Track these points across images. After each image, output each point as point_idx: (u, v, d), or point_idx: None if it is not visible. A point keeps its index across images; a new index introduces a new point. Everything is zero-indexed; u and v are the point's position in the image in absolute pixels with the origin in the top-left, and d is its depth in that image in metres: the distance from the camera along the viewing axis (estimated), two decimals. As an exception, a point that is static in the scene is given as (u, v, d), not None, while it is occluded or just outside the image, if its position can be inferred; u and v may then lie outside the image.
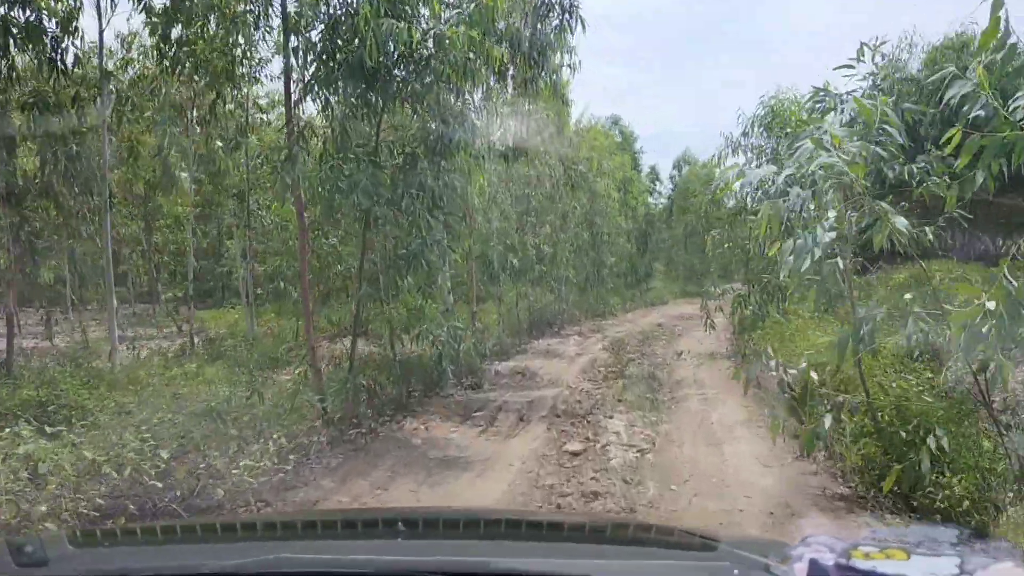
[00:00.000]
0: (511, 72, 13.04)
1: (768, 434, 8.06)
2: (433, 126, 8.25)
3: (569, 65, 15.61)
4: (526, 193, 18.01)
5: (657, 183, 47.79)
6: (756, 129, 13.89)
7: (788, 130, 13.48)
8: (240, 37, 10.10)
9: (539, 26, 12.87)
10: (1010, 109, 4.64)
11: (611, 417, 9.47)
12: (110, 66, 12.68)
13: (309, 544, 2.11)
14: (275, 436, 6.31)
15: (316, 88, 8.09)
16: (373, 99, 8.30)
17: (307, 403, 8.02)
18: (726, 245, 13.58)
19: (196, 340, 15.21)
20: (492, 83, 12.24)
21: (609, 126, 36.43)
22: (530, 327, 18.81)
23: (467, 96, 8.97)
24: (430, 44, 8.00)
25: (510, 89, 15.00)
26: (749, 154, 14.00)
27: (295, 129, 8.16)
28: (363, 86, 8.16)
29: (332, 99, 8.24)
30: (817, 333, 9.11)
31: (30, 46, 8.71)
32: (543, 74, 12.57)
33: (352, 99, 8.23)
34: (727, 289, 14.62)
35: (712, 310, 14.24)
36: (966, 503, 5.15)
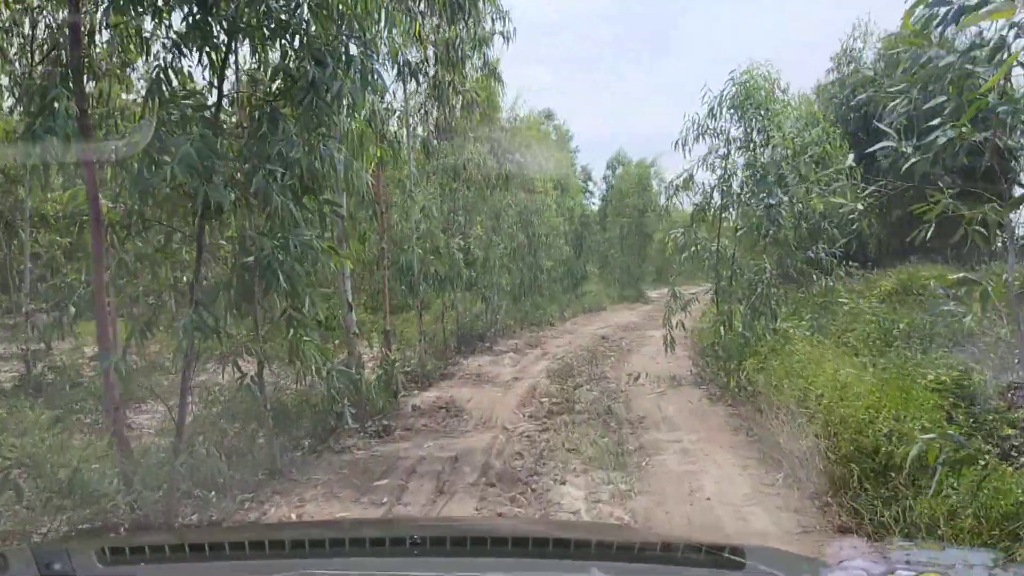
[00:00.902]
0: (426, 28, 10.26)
1: (798, 520, 5.54)
2: (306, 67, 5.40)
3: (502, 33, 12.94)
4: (453, 188, 15.25)
5: (590, 183, 45.70)
6: (724, 111, 11.49)
7: (764, 110, 11.13)
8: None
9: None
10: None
11: (564, 483, 6.80)
12: None
13: (331, 561, 2.12)
14: None
15: (118, 6, 5.13)
16: (213, 29, 5.42)
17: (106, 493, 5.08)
18: (693, 248, 11.13)
19: (41, 366, 11.87)
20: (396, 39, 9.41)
21: (542, 120, 33.96)
22: (459, 343, 16.04)
23: (361, 36, 6.14)
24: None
25: (431, 61, 12.23)
26: (716, 141, 11.61)
27: (66, 61, 5.20)
28: (195, 8, 5.28)
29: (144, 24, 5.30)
30: (845, 367, 6.65)
31: None
32: (468, 23, 9.83)
33: (178, 30, 5.34)
34: (678, 293, 12.19)
35: (674, 323, 11.83)
36: None
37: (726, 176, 11.42)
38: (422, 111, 12.77)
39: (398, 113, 12.42)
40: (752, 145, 11.18)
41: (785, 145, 9.05)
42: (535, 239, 19.83)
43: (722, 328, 8.92)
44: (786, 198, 8.45)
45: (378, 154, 8.14)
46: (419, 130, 13.02)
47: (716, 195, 11.69)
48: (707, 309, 13.90)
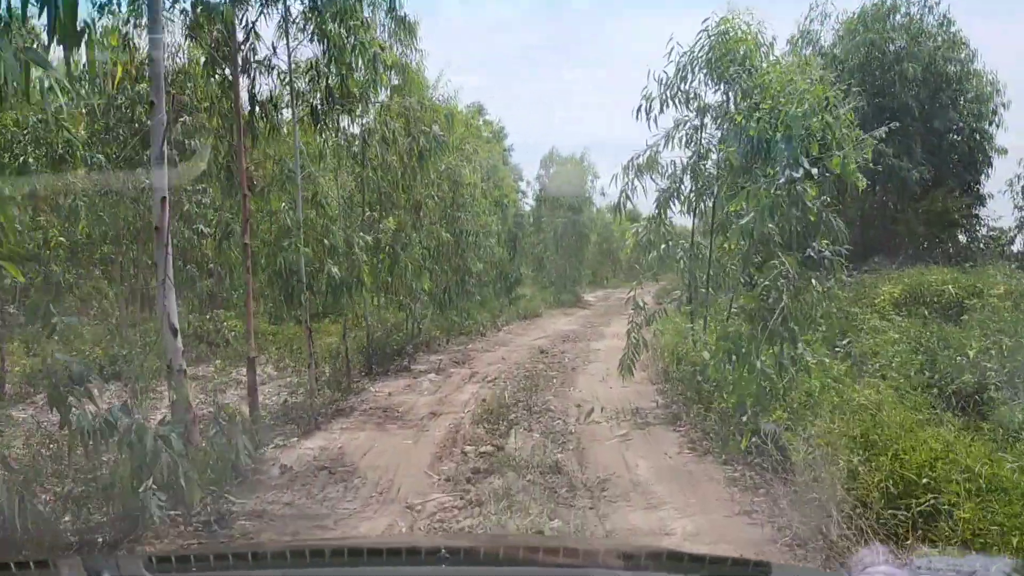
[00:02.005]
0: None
1: None
2: None
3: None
4: (360, 173, 12.17)
5: (521, 182, 42.88)
6: (697, 71, 8.81)
7: (748, 70, 8.50)
8: None
9: None
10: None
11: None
12: None
13: (372, 570, 2.12)
14: None
15: None
16: None
17: None
18: (663, 245, 8.42)
19: None
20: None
21: (472, 114, 30.98)
22: (369, 362, 12.95)
23: None
24: None
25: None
26: (688, 111, 8.93)
27: None
28: None
29: None
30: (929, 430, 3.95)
31: None
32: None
33: None
34: (640, 303, 9.52)
35: (637, 341, 9.10)
36: None
37: (702, 153, 8.76)
38: (312, 73, 9.67)
39: (277, 70, 9.29)
40: (729, 115, 8.57)
41: (794, 106, 6.39)
42: (463, 238, 16.85)
43: (725, 358, 6.09)
44: (815, 169, 5.83)
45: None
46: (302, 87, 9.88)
47: (687, 179, 9.03)
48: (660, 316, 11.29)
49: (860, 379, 5.61)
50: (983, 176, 18.38)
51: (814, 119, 6.08)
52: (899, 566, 1.34)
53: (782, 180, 5.62)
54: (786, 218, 7.28)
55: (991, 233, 18.75)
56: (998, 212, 18.98)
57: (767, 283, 5.68)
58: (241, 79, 8.72)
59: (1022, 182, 17.87)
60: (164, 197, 6.01)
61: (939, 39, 17.71)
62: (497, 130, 35.05)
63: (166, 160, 6.04)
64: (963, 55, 17.83)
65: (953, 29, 17.91)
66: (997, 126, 18.10)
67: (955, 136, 17.24)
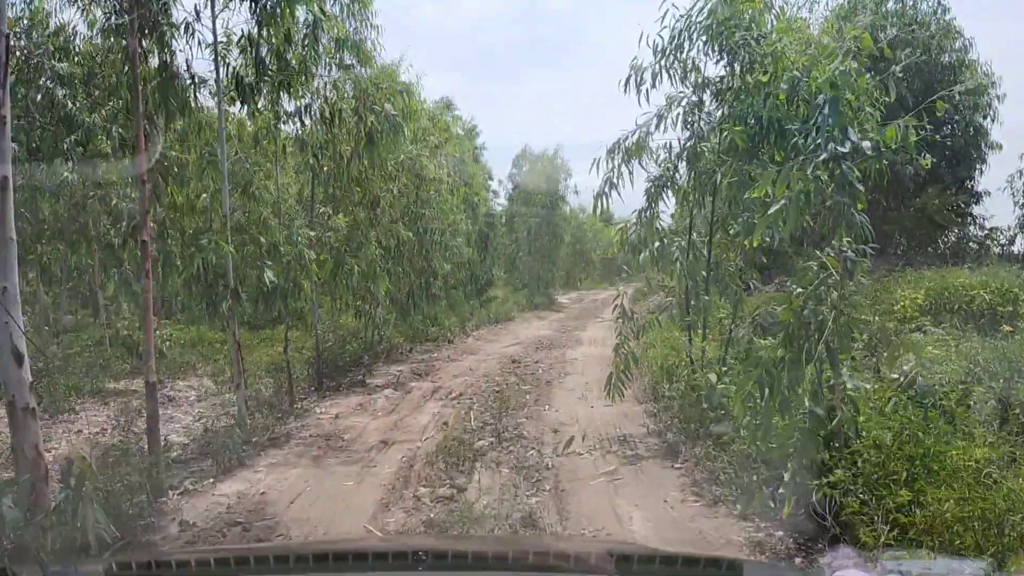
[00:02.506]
0: None
1: None
2: None
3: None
4: (303, 160, 10.61)
5: (493, 182, 41.18)
6: (696, 39, 7.42)
7: (754, 38, 7.15)
8: None
9: None
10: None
11: None
12: None
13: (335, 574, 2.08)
14: None
15: None
16: None
17: None
18: (657, 243, 7.01)
19: None
20: None
21: (440, 110, 29.41)
22: (318, 376, 11.39)
23: None
24: None
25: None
26: (684, 86, 7.53)
27: None
28: None
29: None
30: None
31: None
32: None
33: None
34: (629, 311, 8.13)
35: (624, 358, 7.72)
36: None
37: (700, 135, 7.38)
38: (243, 43, 8.10)
39: (199, 37, 7.72)
40: (730, 91, 7.20)
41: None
42: (428, 237, 15.32)
43: (755, 389, 4.57)
44: (866, 142, 4.44)
45: None
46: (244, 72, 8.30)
47: (682, 166, 7.63)
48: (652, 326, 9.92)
49: (932, 422, 4.24)
50: (977, 172, 17.33)
51: (853, 82, 4.71)
52: (869, 568, 1.31)
53: (822, 157, 4.22)
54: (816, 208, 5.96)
55: (985, 232, 17.71)
56: (991, 210, 17.99)
57: (805, 290, 4.29)
58: (148, 45, 7.15)
59: (1024, 179, 16.89)
60: (5, 177, 4.44)
61: (933, 27, 16.61)
62: (469, 128, 33.43)
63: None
64: (958, 44, 16.77)
65: (947, 17, 16.84)
66: (992, 120, 17.08)
67: (950, 129, 16.12)
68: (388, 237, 12.73)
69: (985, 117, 17.01)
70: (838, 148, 4.29)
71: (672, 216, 9.00)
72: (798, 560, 4.17)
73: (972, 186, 17.44)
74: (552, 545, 3.39)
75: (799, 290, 4.43)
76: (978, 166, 17.45)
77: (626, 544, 4.38)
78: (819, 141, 4.42)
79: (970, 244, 17.67)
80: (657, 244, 6.92)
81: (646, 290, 32.17)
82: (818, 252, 5.29)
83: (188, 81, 7.50)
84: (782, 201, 4.39)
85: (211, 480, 6.62)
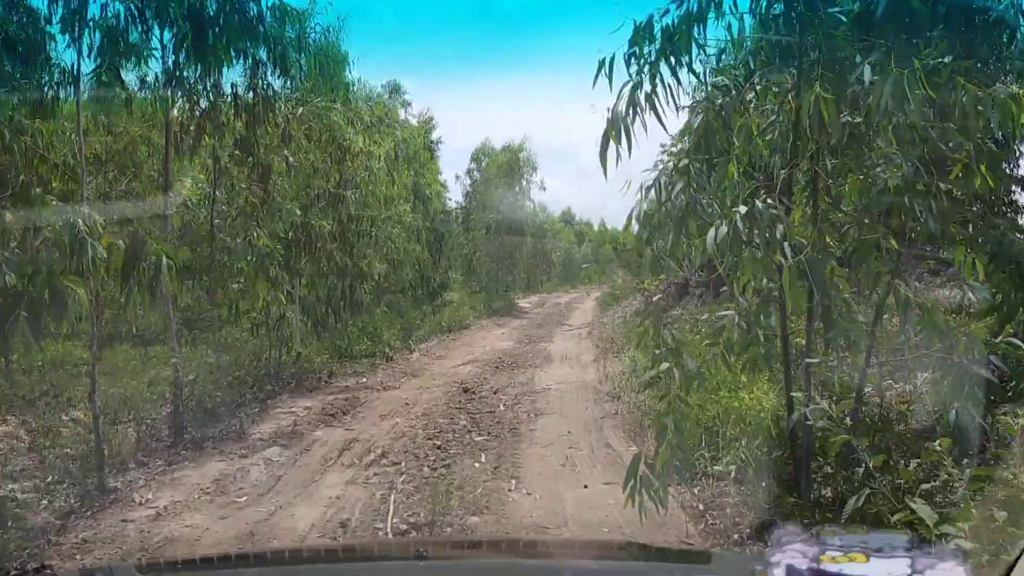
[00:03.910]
0: None
1: None
2: None
3: None
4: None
5: (453, 180, 37.25)
6: None
7: None
8: None
9: None
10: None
11: None
12: None
13: (345, 568, 2.09)
14: None
15: None
16: None
17: None
18: (723, 223, 3.45)
19: None
20: None
21: (387, 95, 25.50)
22: (173, 426, 7.55)
23: None
24: None
25: None
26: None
27: None
28: None
29: None
30: None
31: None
32: None
33: None
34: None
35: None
36: None
37: None
38: None
39: None
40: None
41: None
42: (354, 227, 11.50)
43: None
44: None
45: None
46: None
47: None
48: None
49: None
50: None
51: None
52: (811, 543, 1.32)
53: None
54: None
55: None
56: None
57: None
58: None
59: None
60: None
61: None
62: (424, 119, 29.43)
63: None
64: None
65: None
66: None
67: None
68: (288, 224, 8.91)
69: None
70: None
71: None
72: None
73: (1016, 169, 14.32)
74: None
75: None
76: None
77: (609, 538, 4.41)
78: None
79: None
80: (723, 224, 3.27)
81: (618, 292, 28.94)
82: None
83: None
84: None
85: None
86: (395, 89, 27.08)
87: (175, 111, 8.33)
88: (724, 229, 3.38)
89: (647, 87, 3.72)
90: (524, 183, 31.90)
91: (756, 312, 3.95)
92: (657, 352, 3.92)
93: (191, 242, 8.61)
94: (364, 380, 11.25)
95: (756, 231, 3.40)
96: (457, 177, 36.90)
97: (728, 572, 1.86)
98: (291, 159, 8.69)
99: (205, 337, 10.85)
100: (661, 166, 4.14)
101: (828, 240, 3.46)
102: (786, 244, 3.38)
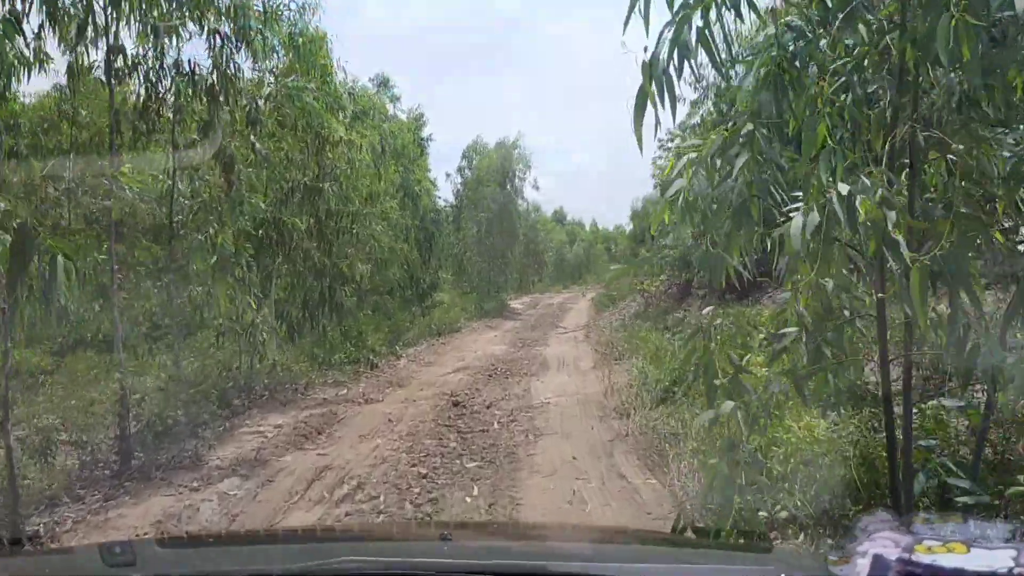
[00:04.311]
0: None
1: None
2: None
3: None
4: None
5: (443, 179, 35.87)
6: None
7: None
8: None
9: None
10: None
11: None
12: None
13: (369, 546, 2.05)
14: None
15: None
16: None
17: None
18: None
19: None
20: None
21: (375, 88, 24.41)
22: (121, 451, 6.50)
23: None
24: None
25: None
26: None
27: None
28: None
29: None
30: None
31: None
32: None
33: None
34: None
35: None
36: None
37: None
38: None
39: None
40: None
41: None
42: (337, 223, 10.45)
43: None
44: None
45: None
46: None
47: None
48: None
49: None
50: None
51: None
52: (903, 532, 1.23)
53: None
54: None
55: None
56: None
57: None
58: None
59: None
60: None
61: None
62: (415, 115, 28.30)
63: None
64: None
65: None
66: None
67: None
68: (255, 220, 7.87)
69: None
70: None
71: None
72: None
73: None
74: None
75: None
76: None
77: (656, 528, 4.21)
78: None
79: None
80: (839, 193, 2.31)
81: (615, 293, 27.92)
82: None
83: None
84: None
85: None
86: (384, 83, 26.04)
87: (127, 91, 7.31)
88: (815, 216, 2.38)
89: (697, 21, 2.71)
90: (517, 181, 30.89)
91: (836, 328, 2.95)
92: (716, 383, 2.92)
93: (154, 240, 7.55)
94: (344, 392, 10.21)
95: (856, 218, 2.40)
96: (448, 176, 35.91)
97: (794, 564, 1.62)
98: (259, 146, 7.62)
99: (173, 344, 9.81)
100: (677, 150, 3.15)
101: (960, 228, 2.45)
102: (899, 237, 2.39)
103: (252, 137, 7.52)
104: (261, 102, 7.69)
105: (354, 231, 10.50)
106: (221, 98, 6.89)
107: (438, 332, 18.73)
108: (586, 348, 14.90)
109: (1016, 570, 1.13)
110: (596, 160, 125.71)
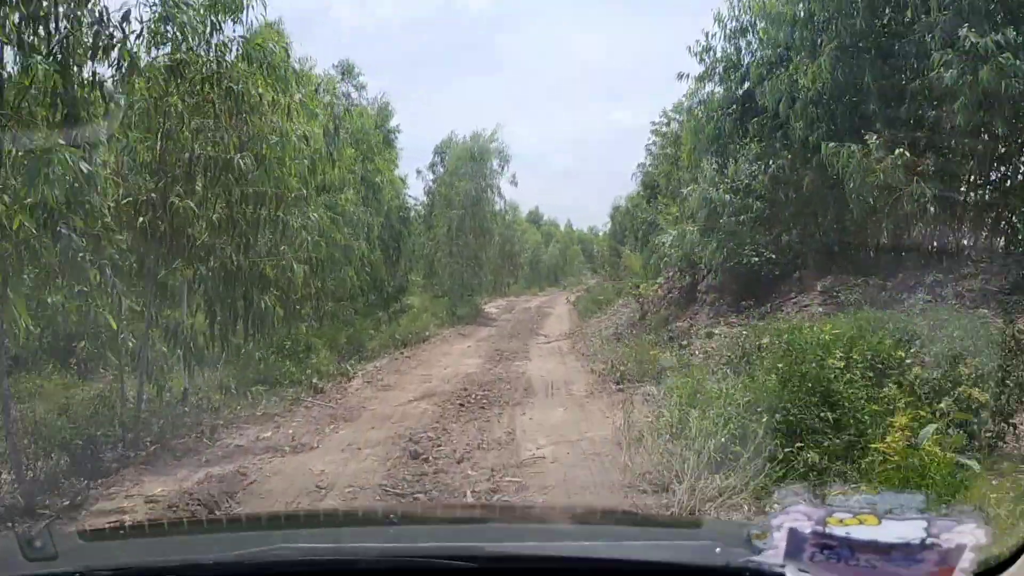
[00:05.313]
0: None
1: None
2: None
3: None
4: None
5: (397, 169, 32.97)
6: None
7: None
8: None
9: None
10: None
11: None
12: None
13: (309, 533, 1.97)
14: None
15: None
16: None
17: None
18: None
19: None
20: None
21: (338, 76, 21.74)
22: None
23: None
24: None
25: None
26: None
27: None
28: None
29: None
30: None
31: None
32: None
33: None
34: None
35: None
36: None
37: None
38: None
39: None
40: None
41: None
42: (256, 211, 7.84)
43: None
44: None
45: None
46: None
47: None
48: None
49: None
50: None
51: None
52: (816, 505, 1.23)
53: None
54: None
55: None
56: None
57: None
58: None
59: None
60: None
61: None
62: (381, 104, 25.56)
63: None
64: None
65: None
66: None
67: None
68: (113, 201, 5.29)
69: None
70: None
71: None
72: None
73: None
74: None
75: None
76: None
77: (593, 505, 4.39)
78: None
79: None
80: None
81: (599, 295, 25.57)
82: None
83: None
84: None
85: None
86: (348, 70, 23.37)
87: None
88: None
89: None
90: (493, 175, 28.31)
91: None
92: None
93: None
94: (269, 434, 7.63)
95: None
96: (419, 172, 33.18)
97: (720, 538, 1.57)
98: (117, 92, 5.04)
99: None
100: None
101: None
102: None
103: (107, 78, 4.95)
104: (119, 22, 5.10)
105: (282, 221, 7.89)
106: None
107: (404, 343, 16.16)
108: (575, 364, 12.48)
109: (928, 540, 1.12)
110: (574, 160, 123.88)
